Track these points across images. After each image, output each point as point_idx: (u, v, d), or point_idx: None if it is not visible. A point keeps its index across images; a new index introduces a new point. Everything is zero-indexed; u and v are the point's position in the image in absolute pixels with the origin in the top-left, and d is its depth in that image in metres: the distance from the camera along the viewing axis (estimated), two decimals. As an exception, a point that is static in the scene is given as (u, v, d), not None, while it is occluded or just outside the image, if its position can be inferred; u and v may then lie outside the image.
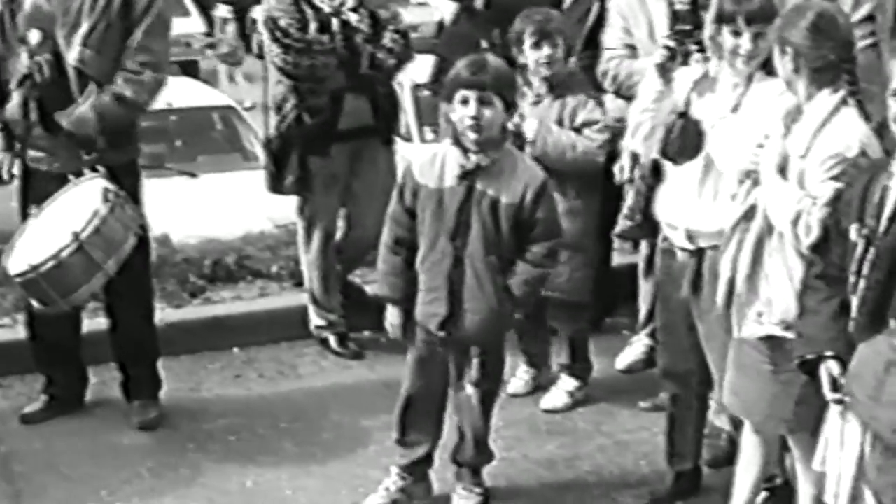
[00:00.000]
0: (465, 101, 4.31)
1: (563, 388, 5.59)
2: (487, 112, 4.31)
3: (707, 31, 4.20)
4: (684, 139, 4.23)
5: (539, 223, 4.39)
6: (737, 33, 4.10)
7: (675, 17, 4.87)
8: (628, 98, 5.31)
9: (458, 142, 4.38)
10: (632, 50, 5.38)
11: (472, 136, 4.32)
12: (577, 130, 5.31)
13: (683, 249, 4.38)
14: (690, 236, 4.34)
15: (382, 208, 5.80)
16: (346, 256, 6.12)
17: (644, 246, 5.73)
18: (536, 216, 4.38)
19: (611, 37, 5.46)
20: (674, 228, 4.36)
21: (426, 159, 4.48)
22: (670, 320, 4.50)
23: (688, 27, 4.31)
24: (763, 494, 4.41)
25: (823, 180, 3.75)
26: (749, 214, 3.97)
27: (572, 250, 5.23)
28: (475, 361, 4.52)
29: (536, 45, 5.28)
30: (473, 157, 4.35)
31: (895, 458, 3.41)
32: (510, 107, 4.43)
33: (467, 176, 4.37)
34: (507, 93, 4.41)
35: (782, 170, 3.86)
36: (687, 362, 4.48)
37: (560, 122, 5.31)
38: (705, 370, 4.45)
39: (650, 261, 5.59)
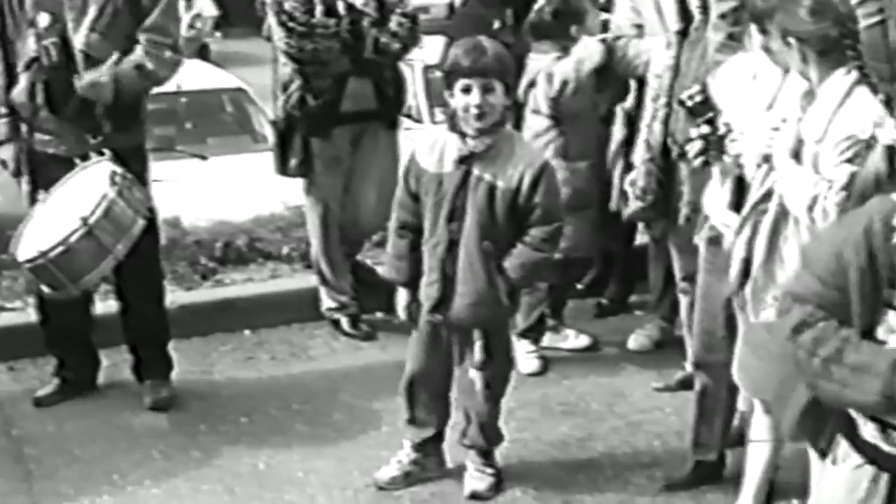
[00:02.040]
0: (467, 90, 4.29)
1: (525, 350, 5.62)
2: (491, 99, 4.30)
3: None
4: None
5: (537, 208, 4.36)
6: (764, 31, 4.05)
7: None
8: (636, 77, 5.37)
9: (454, 127, 4.37)
10: (639, 29, 5.38)
11: (476, 124, 4.31)
12: None
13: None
14: None
15: (381, 191, 5.88)
16: (345, 238, 6.14)
17: (656, 227, 5.62)
18: (534, 201, 4.35)
19: (619, 16, 5.46)
20: (727, 226, 4.28)
21: (427, 144, 4.48)
22: (709, 311, 4.43)
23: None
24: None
25: (838, 164, 3.71)
26: (766, 198, 3.94)
27: (578, 209, 5.33)
28: (477, 345, 4.51)
29: None
30: (470, 143, 4.34)
31: None
32: (509, 90, 4.43)
33: (464, 161, 4.36)
34: (507, 77, 4.41)
35: (797, 154, 3.83)
36: (720, 353, 4.42)
37: None
38: None
39: (659, 242, 5.61)
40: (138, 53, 4.99)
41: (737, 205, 4.12)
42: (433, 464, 4.73)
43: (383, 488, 4.67)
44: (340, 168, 5.99)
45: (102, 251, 4.77)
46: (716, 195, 4.22)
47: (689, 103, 4.17)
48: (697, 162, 4.19)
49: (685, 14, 5.04)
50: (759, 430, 4.27)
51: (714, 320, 4.40)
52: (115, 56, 4.95)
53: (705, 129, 4.12)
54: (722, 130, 4.09)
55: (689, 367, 5.23)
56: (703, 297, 4.48)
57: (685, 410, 5.00)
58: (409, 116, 7.96)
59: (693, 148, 4.17)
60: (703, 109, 4.15)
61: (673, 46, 4.98)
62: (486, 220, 4.36)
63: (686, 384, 5.19)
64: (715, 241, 4.30)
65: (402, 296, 4.62)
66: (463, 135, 4.36)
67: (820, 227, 3.73)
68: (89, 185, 4.86)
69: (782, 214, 3.90)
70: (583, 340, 5.83)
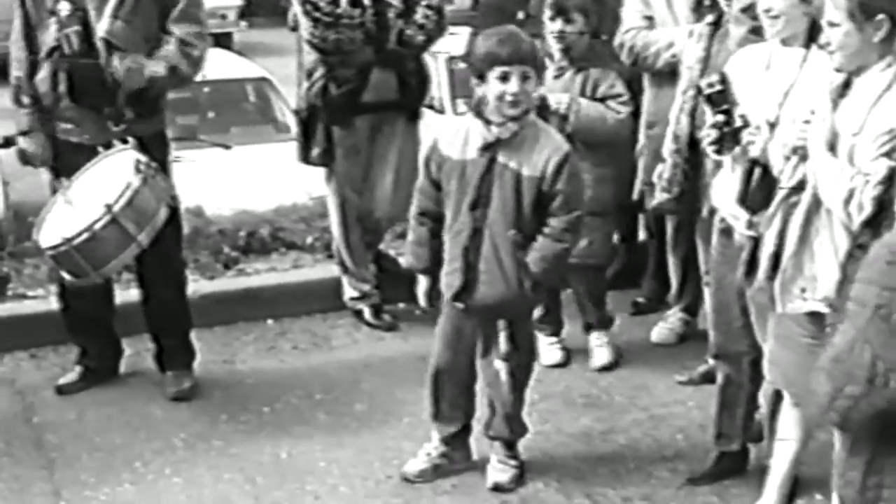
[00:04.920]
0: (504, 77, 4.27)
1: (602, 342, 5.65)
2: (527, 87, 4.30)
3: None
4: None
5: (558, 195, 4.35)
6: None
7: None
8: (645, 69, 5.40)
9: (479, 114, 4.36)
10: (649, 21, 5.40)
11: (511, 111, 4.29)
12: (600, 101, 5.41)
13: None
14: (752, 224, 4.24)
15: (398, 181, 5.91)
16: (364, 227, 6.13)
17: (670, 221, 5.71)
18: (556, 188, 4.34)
19: (629, 8, 5.48)
20: (736, 218, 4.24)
21: (451, 131, 4.47)
22: (723, 301, 4.42)
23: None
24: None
25: (876, 157, 3.66)
26: (796, 191, 3.91)
27: (600, 216, 5.36)
28: (502, 335, 4.50)
29: (552, 19, 5.39)
30: (494, 130, 4.33)
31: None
32: (538, 79, 4.46)
33: (489, 148, 4.35)
34: (540, 66, 4.46)
35: (832, 147, 3.78)
36: (739, 343, 4.42)
37: (582, 94, 5.41)
38: (757, 351, 4.37)
39: (678, 233, 5.63)
40: (173, 52, 4.99)
41: (743, 197, 4.12)
42: (461, 457, 4.71)
43: (411, 481, 4.64)
44: (359, 157, 6.00)
45: (126, 239, 4.76)
46: (725, 187, 4.20)
47: (707, 92, 4.15)
48: (710, 151, 4.16)
49: (698, 5, 5.07)
50: (787, 425, 4.24)
51: (729, 310, 4.39)
52: (162, 65, 4.97)
53: (720, 118, 4.09)
54: (738, 122, 4.06)
55: (711, 361, 5.22)
56: (717, 287, 4.47)
57: (708, 404, 4.97)
58: (431, 107, 7.94)
59: (707, 137, 4.15)
60: (721, 99, 4.13)
61: (704, 38, 4.96)
62: (512, 208, 4.35)
63: (709, 377, 5.17)
64: (727, 232, 4.29)
65: (422, 283, 4.62)
66: (487, 122, 4.34)
67: (855, 221, 3.69)
68: (113, 173, 4.85)
69: (815, 207, 3.86)
70: (555, 356, 5.71)
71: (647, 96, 5.53)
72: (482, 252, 4.39)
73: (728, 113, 4.10)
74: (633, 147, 5.52)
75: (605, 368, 5.58)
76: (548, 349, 5.61)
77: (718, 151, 4.17)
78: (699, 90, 4.22)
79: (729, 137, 4.11)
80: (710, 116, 4.18)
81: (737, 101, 4.15)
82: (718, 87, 4.14)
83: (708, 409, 4.94)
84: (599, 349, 5.66)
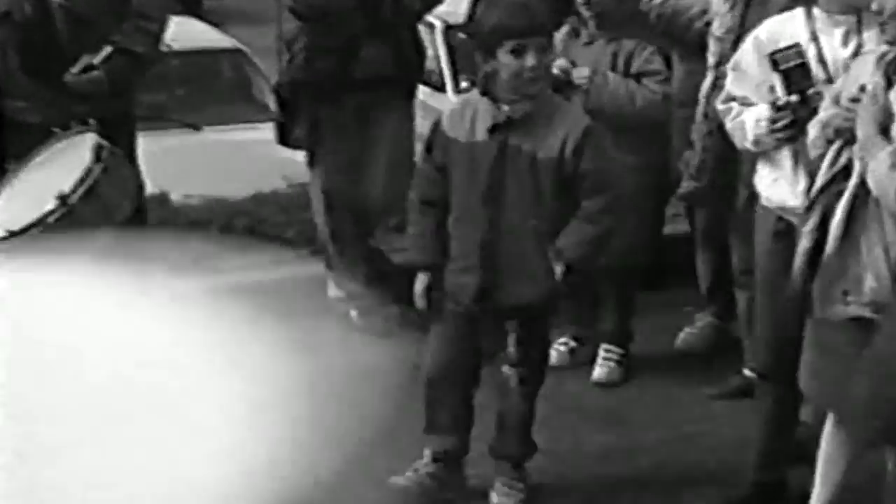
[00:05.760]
0: (519, 52, 4.24)
1: (611, 357, 5.63)
2: (545, 59, 4.31)
3: None
4: None
5: (587, 177, 4.34)
6: None
7: None
8: (675, 39, 5.39)
9: (487, 92, 4.35)
10: None
11: (531, 90, 4.29)
12: (636, 79, 5.35)
13: None
14: None
15: (391, 167, 5.92)
16: (353, 219, 6.15)
17: (701, 211, 5.73)
18: (581, 169, 4.33)
19: None
20: (794, 213, 4.20)
21: (456, 110, 4.48)
22: (779, 316, 4.35)
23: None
24: None
25: None
26: (839, 178, 3.87)
27: (626, 210, 5.19)
28: (512, 338, 4.50)
29: None
30: (505, 109, 4.32)
31: None
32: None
33: (499, 129, 4.33)
34: (553, 30, 4.49)
35: (885, 130, 3.75)
36: (794, 360, 4.34)
37: (613, 68, 5.36)
38: None
39: (709, 227, 5.65)
40: (125, 31, 5.04)
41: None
42: (453, 482, 4.70)
43: (393, 494, 4.67)
44: (349, 140, 6.00)
45: (83, 235, 4.74)
46: (785, 180, 4.15)
47: (785, 66, 4.04)
48: (769, 139, 4.05)
49: None
50: (831, 445, 4.21)
51: (786, 327, 4.30)
52: (104, 51, 4.96)
53: (793, 99, 4.00)
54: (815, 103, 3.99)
55: (747, 372, 5.25)
56: (770, 300, 4.41)
57: (743, 421, 4.98)
58: (428, 84, 7.89)
59: (777, 120, 4.06)
60: (800, 77, 4.03)
61: (738, 5, 4.94)
62: (531, 196, 4.34)
63: (744, 391, 5.21)
64: (783, 234, 4.26)
65: (421, 280, 4.59)
66: (496, 100, 4.31)
67: None
68: (70, 159, 4.84)
69: (861, 198, 3.83)
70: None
71: (677, 72, 5.52)
72: (501, 249, 4.37)
73: (803, 92, 4.00)
74: (659, 127, 5.46)
75: (604, 385, 5.57)
76: (554, 349, 5.55)
77: (790, 139, 4.09)
78: (774, 63, 4.09)
79: (801, 123, 4.01)
80: (780, 94, 4.08)
81: (816, 78, 4.07)
82: (799, 60, 4.03)
83: (743, 426, 4.95)
84: (605, 363, 5.63)
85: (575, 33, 5.40)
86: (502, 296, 4.41)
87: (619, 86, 5.29)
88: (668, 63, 5.42)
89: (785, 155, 4.20)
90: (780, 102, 4.08)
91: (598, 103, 5.20)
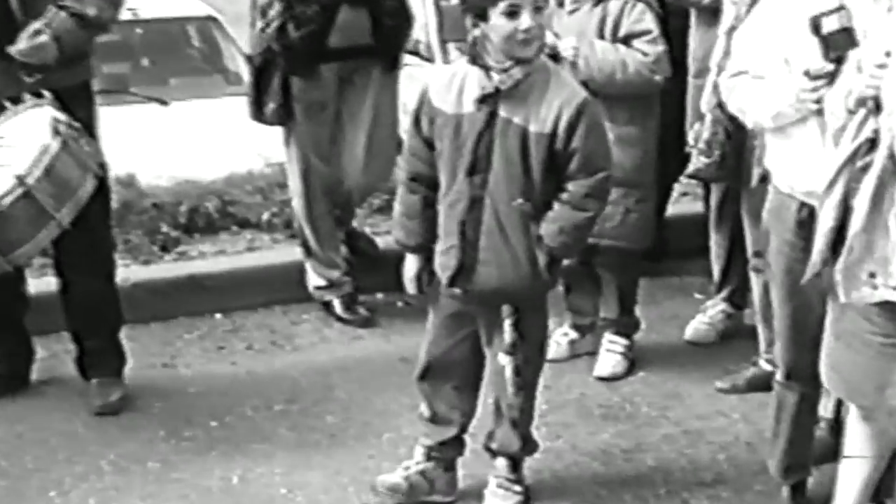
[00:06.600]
0: (512, 13, 4.26)
1: (615, 349, 5.64)
2: (541, 19, 4.29)
3: None
4: None
5: (576, 154, 4.34)
6: None
7: None
8: (691, 3, 5.45)
9: (476, 60, 4.36)
10: None
11: (526, 52, 4.28)
12: (625, 42, 5.31)
13: None
14: None
15: (373, 144, 5.91)
16: (332, 200, 6.15)
17: (714, 190, 5.73)
18: (572, 146, 4.33)
19: None
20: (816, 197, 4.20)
21: (443, 80, 4.47)
22: (801, 312, 4.36)
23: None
24: None
25: None
26: (864, 151, 3.85)
27: (626, 187, 5.27)
28: (506, 324, 4.49)
29: None
30: (495, 78, 4.33)
31: None
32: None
33: (488, 100, 4.35)
34: None
35: None
36: (818, 354, 4.31)
37: (602, 35, 5.33)
38: None
39: (722, 208, 5.65)
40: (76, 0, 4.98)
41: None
42: (444, 482, 4.72)
43: (380, 493, 4.68)
44: (325, 115, 6.00)
45: (42, 217, 4.74)
46: (810, 161, 4.13)
47: (828, 30, 3.96)
48: (803, 108, 4.09)
49: None
50: (855, 442, 4.23)
51: (808, 323, 4.31)
52: (50, 12, 4.93)
53: (831, 67, 3.97)
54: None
55: (763, 364, 5.29)
56: (791, 293, 4.38)
57: (756, 416, 5.03)
58: (415, 54, 7.92)
59: (807, 91, 4.04)
60: (843, 40, 3.95)
61: None
62: (518, 172, 4.34)
63: (757, 384, 5.25)
64: (807, 223, 4.21)
65: (410, 264, 4.62)
66: (486, 68, 4.33)
67: None
68: (26, 135, 4.82)
69: (890, 171, 3.81)
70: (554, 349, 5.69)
71: (694, 37, 5.55)
72: (483, 226, 4.39)
73: (840, 61, 3.94)
74: (673, 99, 5.48)
75: (606, 379, 5.58)
76: (555, 340, 5.64)
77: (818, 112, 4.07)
78: (816, 27, 3.99)
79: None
80: (819, 61, 4.02)
81: (858, 43, 3.99)
82: (845, 24, 3.94)
83: (755, 422, 4.99)
84: (608, 355, 5.65)
85: (559, 3, 5.37)
86: (481, 278, 4.42)
87: (608, 52, 5.26)
88: (664, 21, 5.38)
89: (810, 132, 4.15)
90: (814, 71, 4.03)
91: (587, 74, 5.17)
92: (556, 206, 4.37)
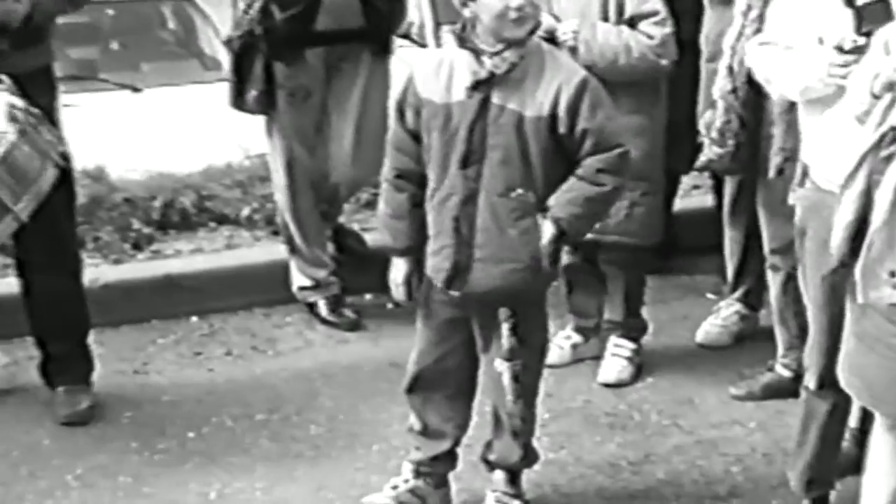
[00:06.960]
0: None
1: (621, 353, 5.65)
2: None
3: None
4: None
5: (587, 135, 4.32)
6: None
7: None
8: None
9: (465, 43, 4.35)
10: None
11: (518, 32, 4.27)
12: (631, 24, 5.31)
13: None
14: None
15: (361, 134, 5.94)
16: (318, 194, 6.15)
17: (729, 182, 5.74)
18: (579, 127, 4.31)
19: None
20: None
21: (430, 67, 4.46)
22: (842, 315, 4.28)
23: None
24: None
25: None
26: (889, 140, 3.80)
27: (631, 179, 5.21)
28: (504, 327, 4.47)
29: None
30: (487, 62, 4.31)
31: None
32: None
33: (480, 86, 4.33)
34: None
35: None
36: None
37: (606, 17, 5.34)
38: None
39: (736, 202, 5.67)
40: None
41: None
42: (437, 500, 4.69)
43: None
44: (311, 103, 6.01)
45: (-1, 210, 4.78)
46: (846, 148, 4.05)
47: (861, 0, 4.01)
48: (836, 83, 4.06)
49: None
50: (879, 453, 4.19)
51: (839, 319, 4.25)
52: None
53: (862, 41, 3.96)
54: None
55: (780, 369, 5.34)
56: (826, 300, 4.36)
57: (773, 425, 5.05)
58: (407, 37, 7.88)
59: (843, 63, 4.03)
60: (878, 12, 3.97)
61: None
62: (516, 162, 4.32)
63: (774, 390, 5.27)
64: None
65: (398, 267, 4.59)
66: (477, 52, 4.31)
67: None
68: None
69: None
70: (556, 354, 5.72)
71: (709, 18, 5.54)
72: (477, 222, 4.36)
73: (870, 35, 3.94)
74: (683, 85, 5.49)
75: (612, 386, 5.57)
76: (556, 344, 5.62)
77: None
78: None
79: None
80: (849, 35, 4.04)
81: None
82: None
83: (773, 431, 5.00)
84: (613, 360, 5.65)
85: None
86: (478, 278, 4.40)
87: (610, 35, 5.24)
88: (670, 1, 5.37)
89: (850, 125, 4.08)
90: (846, 45, 4.03)
91: (588, 59, 5.13)
92: (570, 179, 4.34)
